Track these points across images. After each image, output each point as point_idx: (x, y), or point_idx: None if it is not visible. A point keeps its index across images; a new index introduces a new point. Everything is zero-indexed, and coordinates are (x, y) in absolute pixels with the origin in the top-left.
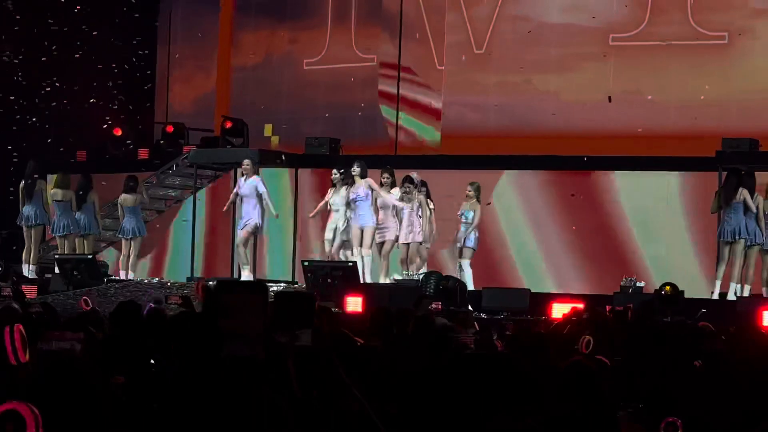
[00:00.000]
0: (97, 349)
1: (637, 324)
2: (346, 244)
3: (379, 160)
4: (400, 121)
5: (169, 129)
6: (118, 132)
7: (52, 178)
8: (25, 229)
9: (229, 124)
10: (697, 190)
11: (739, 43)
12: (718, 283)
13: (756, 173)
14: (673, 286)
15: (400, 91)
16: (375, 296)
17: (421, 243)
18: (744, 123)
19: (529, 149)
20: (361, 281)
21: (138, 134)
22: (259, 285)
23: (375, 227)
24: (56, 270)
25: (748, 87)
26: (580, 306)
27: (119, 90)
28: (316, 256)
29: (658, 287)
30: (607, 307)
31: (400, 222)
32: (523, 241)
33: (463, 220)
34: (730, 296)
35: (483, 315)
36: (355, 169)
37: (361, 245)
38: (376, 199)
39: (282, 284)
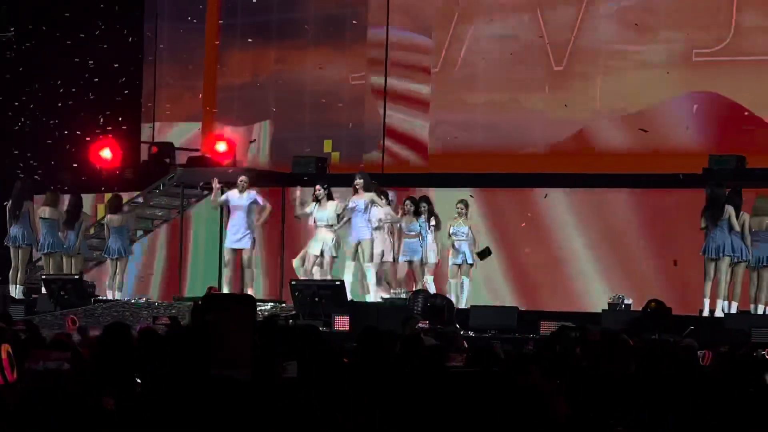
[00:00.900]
0: (85, 368)
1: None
2: (320, 260)
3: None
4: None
5: (155, 150)
6: (106, 153)
7: (39, 198)
8: (12, 249)
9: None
10: (684, 207)
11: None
12: (707, 301)
13: (743, 190)
14: (659, 302)
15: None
16: (362, 315)
17: (393, 261)
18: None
19: (516, 167)
20: (372, 298)
21: (124, 154)
22: (246, 299)
23: (372, 240)
24: (43, 290)
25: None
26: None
27: (106, 109)
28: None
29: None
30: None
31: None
32: (511, 258)
33: (457, 238)
34: (718, 313)
35: (471, 333)
36: (358, 181)
37: (354, 259)
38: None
39: (269, 304)
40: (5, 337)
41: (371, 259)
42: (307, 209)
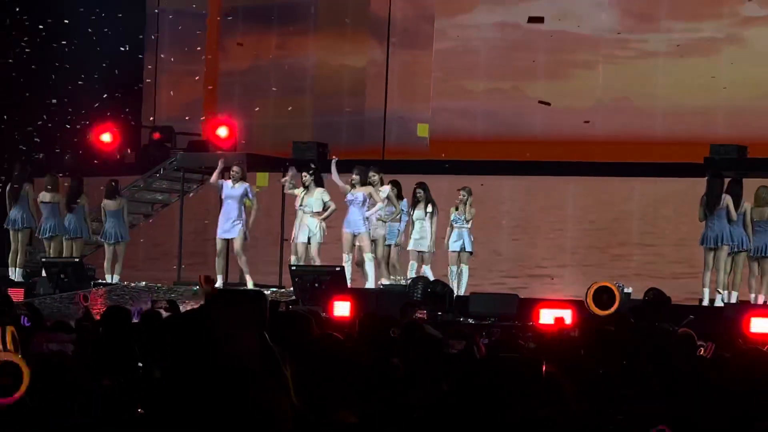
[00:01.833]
0: (89, 350)
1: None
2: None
3: (366, 164)
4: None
5: (156, 136)
6: (106, 137)
7: (38, 181)
8: (11, 232)
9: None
10: (685, 196)
11: (728, 51)
12: (706, 291)
13: (744, 180)
14: (658, 291)
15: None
16: (363, 301)
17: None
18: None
19: (516, 155)
20: (371, 285)
21: (125, 138)
22: (256, 295)
23: (369, 231)
24: (43, 273)
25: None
26: (567, 311)
27: (106, 93)
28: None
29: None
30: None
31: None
32: (511, 244)
33: (457, 225)
34: (717, 303)
35: (470, 320)
36: (354, 177)
37: (349, 251)
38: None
39: (270, 290)
40: (6, 319)
41: (370, 249)
42: (296, 191)
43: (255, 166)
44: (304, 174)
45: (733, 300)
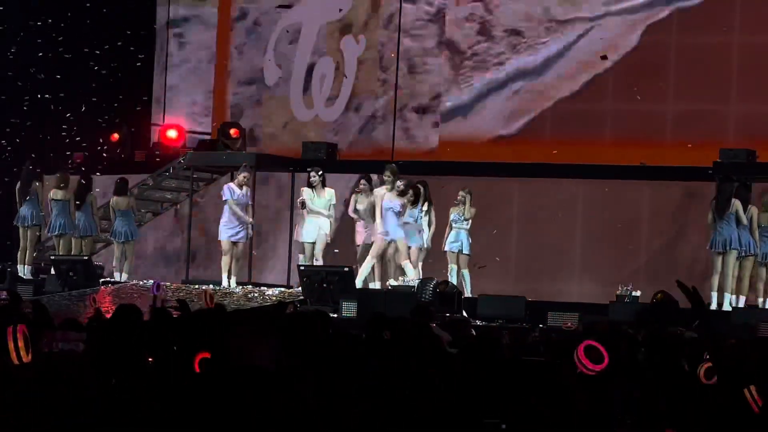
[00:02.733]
0: (99, 349)
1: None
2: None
3: (376, 165)
4: None
5: (165, 133)
6: (115, 138)
7: (48, 178)
8: (21, 229)
9: (236, 133)
10: (695, 199)
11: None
12: (714, 294)
13: (753, 184)
14: (666, 294)
15: None
16: (370, 302)
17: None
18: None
19: (527, 157)
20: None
21: (135, 136)
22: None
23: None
24: (52, 271)
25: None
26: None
27: (117, 91)
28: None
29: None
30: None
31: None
32: (519, 248)
33: (456, 226)
34: (726, 307)
35: (479, 322)
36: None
37: (376, 256)
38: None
39: (277, 289)
40: (20, 317)
41: (407, 257)
42: (304, 195)
43: (263, 166)
44: (312, 174)
45: (741, 304)
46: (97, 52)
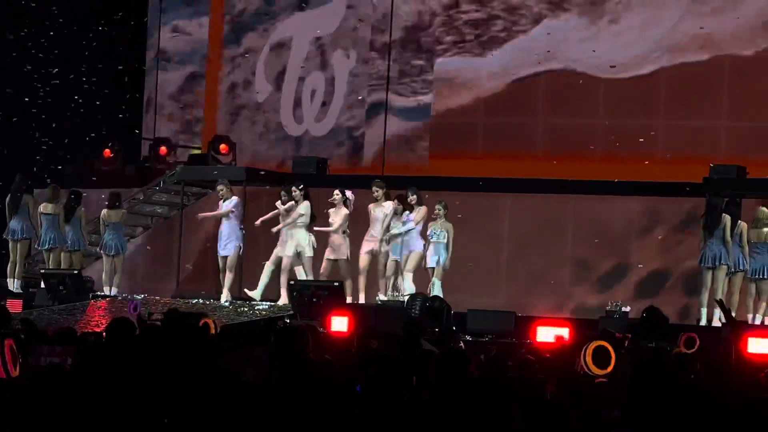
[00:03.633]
0: (89, 362)
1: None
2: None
3: (365, 179)
4: None
5: (162, 151)
6: (108, 153)
7: (38, 192)
8: (10, 242)
9: (225, 149)
10: (685, 215)
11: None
12: (704, 310)
13: (742, 201)
14: (656, 310)
15: None
16: (361, 316)
17: (336, 260)
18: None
19: (517, 172)
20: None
21: (125, 150)
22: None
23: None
24: (42, 284)
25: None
26: (565, 329)
27: (107, 105)
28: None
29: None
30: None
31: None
32: (506, 262)
33: (434, 240)
34: (715, 323)
35: (468, 337)
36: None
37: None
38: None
39: (266, 303)
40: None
41: (413, 268)
42: (280, 206)
43: (252, 180)
44: (294, 189)
45: None
46: (85, 69)
